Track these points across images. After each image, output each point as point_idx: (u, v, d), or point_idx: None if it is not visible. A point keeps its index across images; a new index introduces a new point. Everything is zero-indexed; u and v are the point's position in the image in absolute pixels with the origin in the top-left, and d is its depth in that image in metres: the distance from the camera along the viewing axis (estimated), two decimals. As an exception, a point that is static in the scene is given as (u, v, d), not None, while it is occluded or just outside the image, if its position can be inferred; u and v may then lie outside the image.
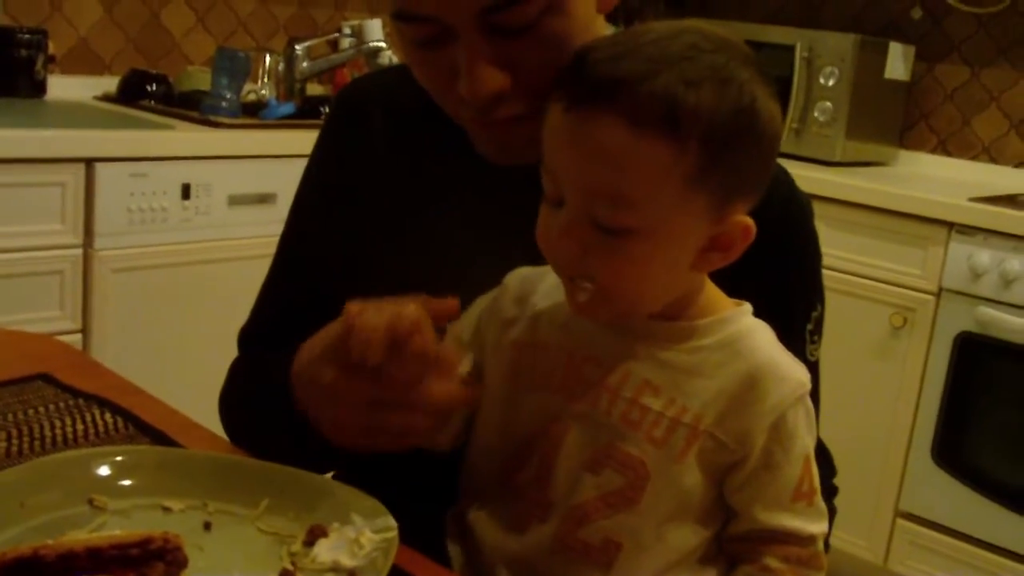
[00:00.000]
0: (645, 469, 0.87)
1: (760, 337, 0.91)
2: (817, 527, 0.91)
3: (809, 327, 1.08)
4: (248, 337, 1.21)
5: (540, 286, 0.95)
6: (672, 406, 0.88)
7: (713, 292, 0.92)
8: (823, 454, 1.11)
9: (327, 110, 2.82)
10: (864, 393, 2.75)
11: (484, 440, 0.97)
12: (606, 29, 1.02)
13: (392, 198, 1.11)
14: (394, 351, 0.84)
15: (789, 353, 0.91)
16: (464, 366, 0.94)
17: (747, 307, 0.93)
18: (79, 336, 2.33)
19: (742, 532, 0.91)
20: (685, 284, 0.89)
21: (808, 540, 0.90)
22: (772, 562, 0.89)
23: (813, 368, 1.09)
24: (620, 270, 0.84)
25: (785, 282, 1.06)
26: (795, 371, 0.89)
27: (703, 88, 0.80)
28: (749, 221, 0.86)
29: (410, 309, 0.85)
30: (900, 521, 2.74)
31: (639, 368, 0.89)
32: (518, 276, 0.98)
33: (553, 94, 0.85)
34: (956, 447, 2.65)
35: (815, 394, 1.10)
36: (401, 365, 0.85)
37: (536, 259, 0.91)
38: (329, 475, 0.94)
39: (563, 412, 0.90)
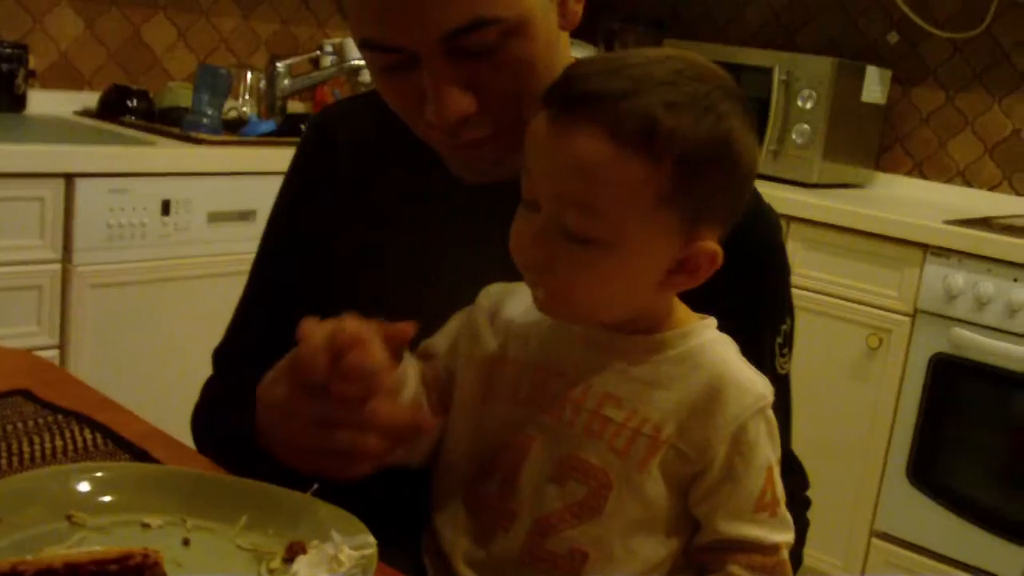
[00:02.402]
0: (607, 478, 0.89)
1: (721, 350, 0.92)
2: (781, 536, 0.91)
3: (779, 340, 1.10)
4: (222, 357, 1.22)
5: (511, 302, 0.97)
6: (634, 417, 0.89)
7: (679, 308, 0.94)
8: (796, 467, 1.13)
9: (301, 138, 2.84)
10: (840, 413, 2.76)
11: (453, 453, 0.98)
12: (570, 49, 1.04)
13: (360, 221, 1.12)
14: (336, 368, 0.85)
15: (751, 366, 0.92)
16: (409, 389, 0.94)
17: (711, 321, 0.94)
18: (56, 352, 2.32)
19: (707, 543, 0.92)
20: (650, 301, 0.91)
21: (772, 549, 0.91)
22: (736, 570, 0.90)
23: (783, 381, 1.11)
24: (582, 279, 0.86)
25: (754, 296, 1.07)
26: (756, 383, 0.91)
27: (683, 112, 0.83)
28: (716, 248, 0.88)
29: (351, 324, 0.86)
30: (875, 541, 2.75)
31: (603, 381, 0.90)
32: (491, 292, 1.00)
33: (542, 102, 0.87)
34: (931, 467, 2.67)
35: (786, 407, 1.12)
36: (340, 381, 0.86)
37: (507, 276, 0.92)
38: (312, 488, 0.94)
39: (528, 424, 0.92)
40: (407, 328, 0.91)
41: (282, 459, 0.94)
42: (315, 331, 0.87)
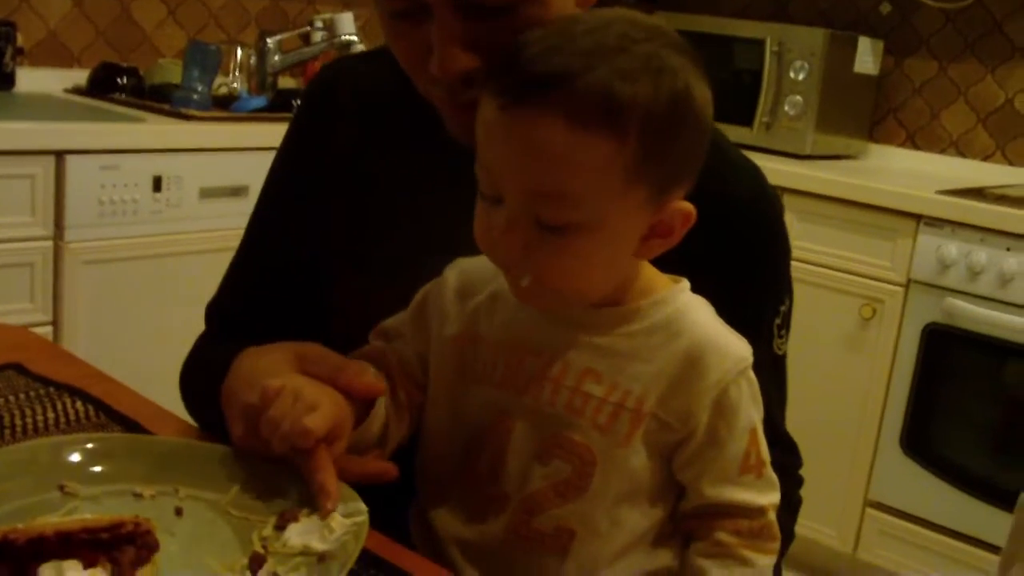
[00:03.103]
0: (591, 455, 0.88)
1: (698, 315, 0.91)
2: (767, 499, 0.91)
3: (777, 321, 1.09)
4: (214, 311, 1.22)
5: (478, 277, 0.95)
6: (615, 391, 0.88)
7: (649, 272, 0.93)
8: (788, 445, 1.13)
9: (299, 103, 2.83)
10: (834, 383, 2.77)
11: (435, 435, 0.98)
12: None
13: (362, 181, 1.11)
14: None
15: (729, 328, 0.91)
16: (372, 434, 0.96)
17: (684, 284, 0.93)
18: (49, 328, 2.32)
19: (692, 508, 0.92)
20: (627, 272, 0.90)
21: (758, 512, 0.91)
22: (724, 536, 0.90)
23: (780, 361, 1.11)
24: (563, 265, 0.84)
25: (753, 276, 1.06)
26: (735, 346, 0.90)
27: (639, 80, 0.80)
28: (688, 207, 0.86)
29: (315, 423, 0.87)
30: (869, 510, 2.76)
31: (579, 356, 0.90)
32: (457, 268, 0.98)
33: (485, 88, 0.84)
34: (924, 437, 2.68)
35: (781, 387, 1.11)
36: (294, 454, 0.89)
37: None
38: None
39: (509, 406, 0.91)
40: (378, 386, 0.93)
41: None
42: (281, 402, 0.87)
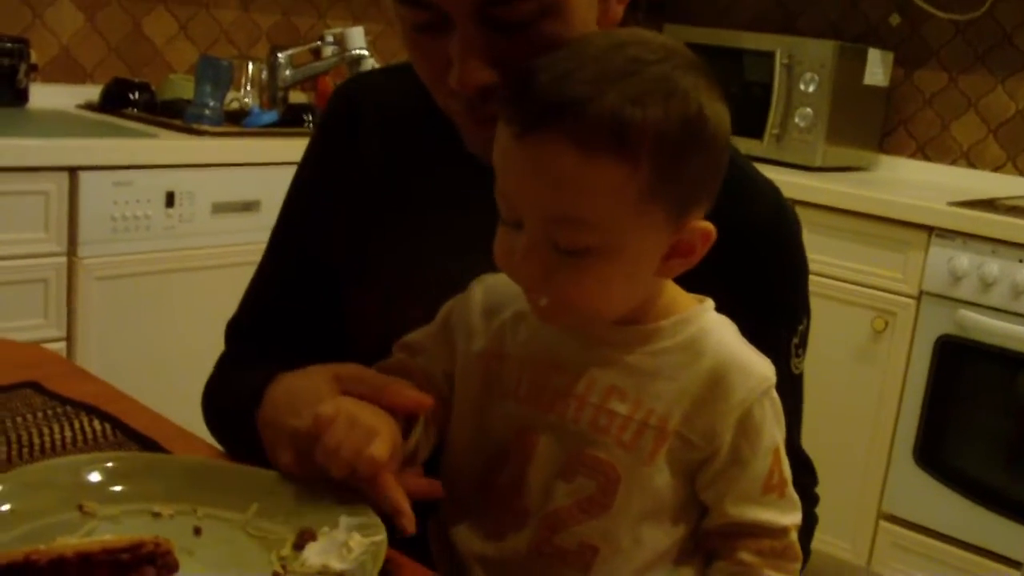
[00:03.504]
0: (616, 473, 0.88)
1: (722, 334, 0.91)
2: (789, 519, 0.91)
3: (795, 340, 1.09)
4: (235, 330, 1.22)
5: (504, 294, 0.95)
6: (639, 409, 0.88)
7: (673, 291, 0.93)
8: (805, 464, 1.12)
9: (310, 117, 2.84)
10: (846, 396, 2.76)
11: (458, 450, 0.97)
12: None
13: (385, 195, 1.11)
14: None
15: (753, 348, 0.91)
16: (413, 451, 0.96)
17: (708, 304, 0.93)
18: (63, 344, 2.32)
19: (715, 527, 0.92)
20: (648, 291, 0.90)
21: (781, 532, 0.91)
22: (746, 556, 0.90)
23: (797, 381, 1.10)
24: (583, 287, 0.84)
25: (772, 295, 1.06)
26: (759, 365, 0.90)
27: (649, 104, 0.80)
28: (709, 226, 0.86)
29: (380, 451, 0.87)
30: (883, 523, 2.76)
31: (604, 374, 0.89)
32: (483, 284, 0.98)
33: (501, 115, 0.85)
34: (938, 449, 2.67)
35: (797, 405, 1.11)
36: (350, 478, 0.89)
37: None
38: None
39: (532, 422, 0.91)
40: (426, 400, 0.93)
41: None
42: (336, 428, 0.88)
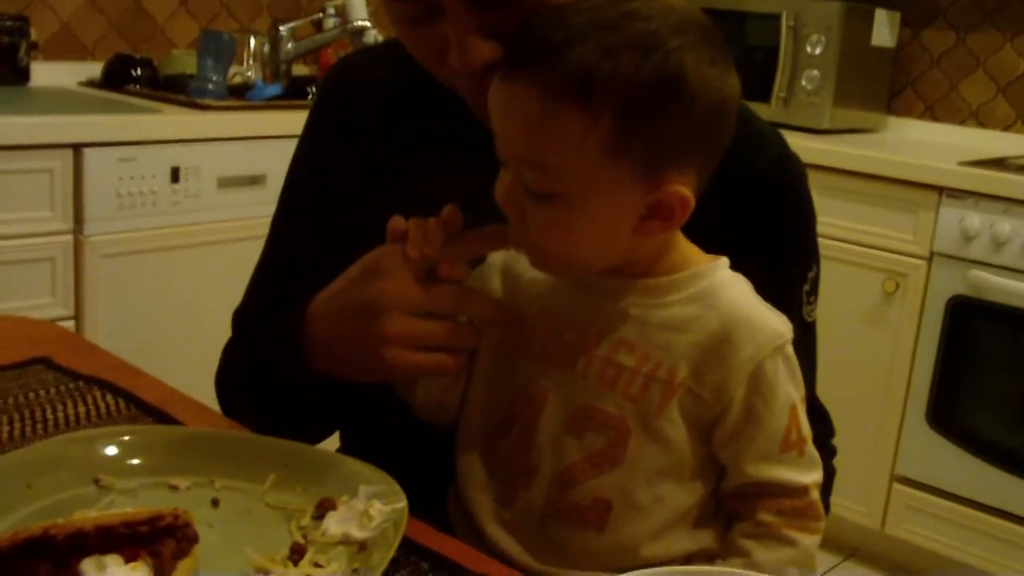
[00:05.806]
0: (625, 425, 0.88)
1: (735, 290, 0.90)
2: (810, 477, 0.91)
3: (805, 288, 1.08)
4: (242, 318, 1.21)
5: (521, 256, 0.95)
6: (646, 362, 0.88)
7: (686, 248, 0.92)
8: (821, 414, 1.12)
9: (313, 89, 2.82)
10: (858, 359, 2.75)
11: (471, 411, 0.97)
12: None
13: (382, 171, 1.11)
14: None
15: (767, 304, 0.90)
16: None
17: (723, 261, 0.93)
18: (72, 322, 2.32)
19: (734, 487, 0.91)
20: (631, 248, 0.88)
21: (801, 491, 0.90)
22: (766, 516, 0.89)
23: (810, 329, 1.10)
24: (549, 233, 0.86)
25: (780, 242, 1.06)
26: (772, 321, 0.89)
27: (621, 57, 0.80)
28: (686, 192, 0.85)
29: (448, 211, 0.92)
30: (896, 485, 2.75)
31: (612, 327, 0.90)
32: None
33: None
34: (951, 410, 2.66)
35: (812, 355, 1.10)
36: (451, 264, 0.92)
37: None
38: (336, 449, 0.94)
39: (541, 377, 0.92)
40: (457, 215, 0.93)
41: (341, 371, 0.97)
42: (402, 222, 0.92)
